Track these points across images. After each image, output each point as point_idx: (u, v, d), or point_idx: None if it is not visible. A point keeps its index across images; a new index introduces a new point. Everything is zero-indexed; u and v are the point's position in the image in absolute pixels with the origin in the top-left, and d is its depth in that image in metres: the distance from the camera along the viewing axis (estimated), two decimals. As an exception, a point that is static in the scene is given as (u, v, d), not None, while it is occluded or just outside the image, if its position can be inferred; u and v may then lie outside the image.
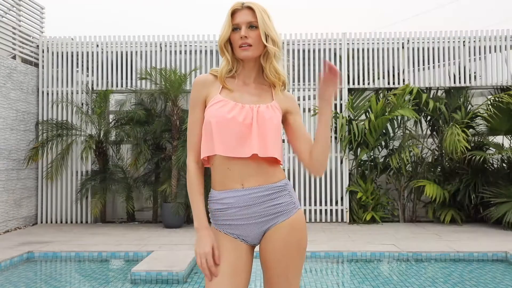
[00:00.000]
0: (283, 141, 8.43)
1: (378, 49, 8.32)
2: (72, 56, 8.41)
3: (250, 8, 1.73)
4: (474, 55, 8.27)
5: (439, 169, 8.17)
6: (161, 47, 8.34)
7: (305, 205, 8.26)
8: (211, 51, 8.34)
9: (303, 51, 8.34)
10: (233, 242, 1.75)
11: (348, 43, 8.30)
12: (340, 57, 8.30)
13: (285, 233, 1.72)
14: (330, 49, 8.36)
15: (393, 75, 8.31)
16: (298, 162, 8.32)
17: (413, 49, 8.27)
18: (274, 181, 1.74)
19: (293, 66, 8.34)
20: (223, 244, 1.75)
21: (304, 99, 8.51)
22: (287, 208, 1.74)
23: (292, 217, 1.74)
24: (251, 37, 1.72)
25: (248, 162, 1.70)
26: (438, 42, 8.24)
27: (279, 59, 1.78)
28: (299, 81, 8.44)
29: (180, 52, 8.38)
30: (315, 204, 8.26)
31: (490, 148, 8.01)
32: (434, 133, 8.36)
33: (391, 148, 8.30)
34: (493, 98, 7.72)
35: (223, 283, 1.68)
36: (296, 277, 1.75)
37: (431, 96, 8.31)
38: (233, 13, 1.75)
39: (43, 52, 8.37)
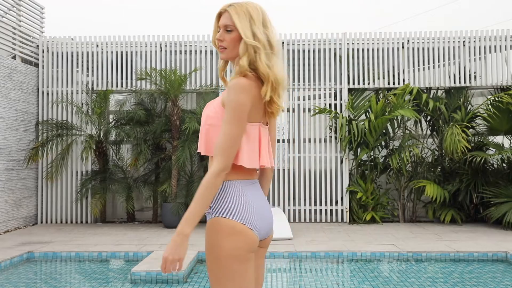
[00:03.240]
0: (284, 141, 8.46)
1: (378, 49, 8.32)
2: (72, 56, 8.41)
3: (228, 12, 1.80)
4: (474, 55, 8.26)
5: (439, 169, 8.17)
6: (161, 47, 8.35)
7: (305, 205, 8.26)
8: (211, 51, 8.34)
9: (303, 51, 8.34)
10: None
11: (348, 43, 8.30)
12: (340, 57, 8.30)
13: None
14: (330, 49, 8.36)
15: (393, 75, 8.31)
16: (298, 162, 8.33)
17: (413, 49, 8.27)
18: None
19: (293, 66, 8.34)
20: None
21: (304, 99, 8.51)
22: (208, 211, 1.79)
23: (207, 222, 1.78)
24: (226, 40, 1.79)
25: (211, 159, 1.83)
26: (438, 42, 8.24)
27: (259, 55, 1.75)
28: (299, 81, 8.44)
29: (180, 52, 8.38)
30: (315, 204, 8.26)
31: (490, 148, 8.02)
32: (434, 133, 8.36)
33: (391, 148, 8.30)
34: (493, 98, 7.72)
35: None
36: (212, 282, 1.74)
37: (431, 96, 8.31)
38: (219, 15, 1.83)
39: (43, 52, 8.38)
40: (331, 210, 8.29)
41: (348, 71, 8.31)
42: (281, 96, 1.80)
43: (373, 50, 8.32)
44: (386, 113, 7.87)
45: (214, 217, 1.74)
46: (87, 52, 8.40)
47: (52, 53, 8.40)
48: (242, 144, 1.74)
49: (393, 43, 8.29)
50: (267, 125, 1.88)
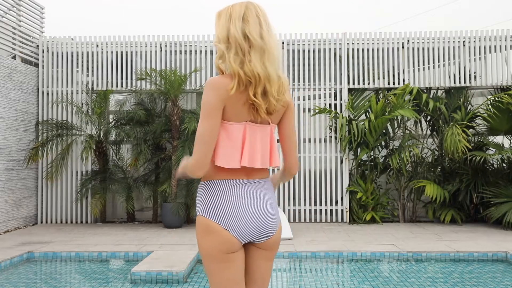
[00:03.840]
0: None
1: (378, 49, 8.32)
2: (72, 56, 8.41)
3: None
4: (474, 55, 8.26)
5: (439, 169, 8.17)
6: (161, 47, 8.34)
7: (305, 205, 8.26)
8: (211, 51, 8.34)
9: (303, 51, 8.34)
10: None
11: (348, 43, 8.30)
12: (340, 57, 8.30)
13: None
14: (330, 49, 8.35)
15: (393, 75, 8.31)
16: (298, 162, 8.31)
17: (413, 49, 8.27)
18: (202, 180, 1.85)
19: (293, 66, 8.34)
20: None
21: (304, 99, 8.51)
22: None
23: None
24: None
25: None
26: (438, 42, 8.24)
27: (220, 54, 1.77)
28: (299, 81, 8.44)
29: (180, 52, 8.38)
30: (315, 204, 8.26)
31: (490, 148, 8.02)
32: (434, 133, 8.36)
33: (391, 148, 8.30)
34: (493, 98, 7.72)
35: None
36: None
37: (431, 96, 8.31)
38: None
39: (43, 52, 8.37)
40: (331, 210, 8.29)
41: (348, 71, 8.31)
42: (269, 92, 1.73)
43: (373, 50, 8.32)
44: (386, 113, 7.87)
45: (197, 215, 1.81)
46: (87, 52, 8.40)
47: (52, 53, 8.40)
48: (220, 143, 1.73)
49: (393, 43, 8.29)
50: (269, 123, 1.84)
